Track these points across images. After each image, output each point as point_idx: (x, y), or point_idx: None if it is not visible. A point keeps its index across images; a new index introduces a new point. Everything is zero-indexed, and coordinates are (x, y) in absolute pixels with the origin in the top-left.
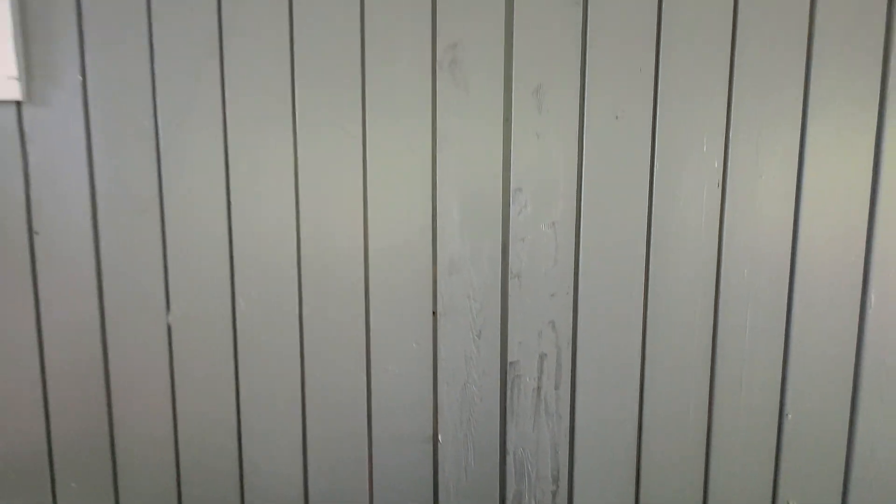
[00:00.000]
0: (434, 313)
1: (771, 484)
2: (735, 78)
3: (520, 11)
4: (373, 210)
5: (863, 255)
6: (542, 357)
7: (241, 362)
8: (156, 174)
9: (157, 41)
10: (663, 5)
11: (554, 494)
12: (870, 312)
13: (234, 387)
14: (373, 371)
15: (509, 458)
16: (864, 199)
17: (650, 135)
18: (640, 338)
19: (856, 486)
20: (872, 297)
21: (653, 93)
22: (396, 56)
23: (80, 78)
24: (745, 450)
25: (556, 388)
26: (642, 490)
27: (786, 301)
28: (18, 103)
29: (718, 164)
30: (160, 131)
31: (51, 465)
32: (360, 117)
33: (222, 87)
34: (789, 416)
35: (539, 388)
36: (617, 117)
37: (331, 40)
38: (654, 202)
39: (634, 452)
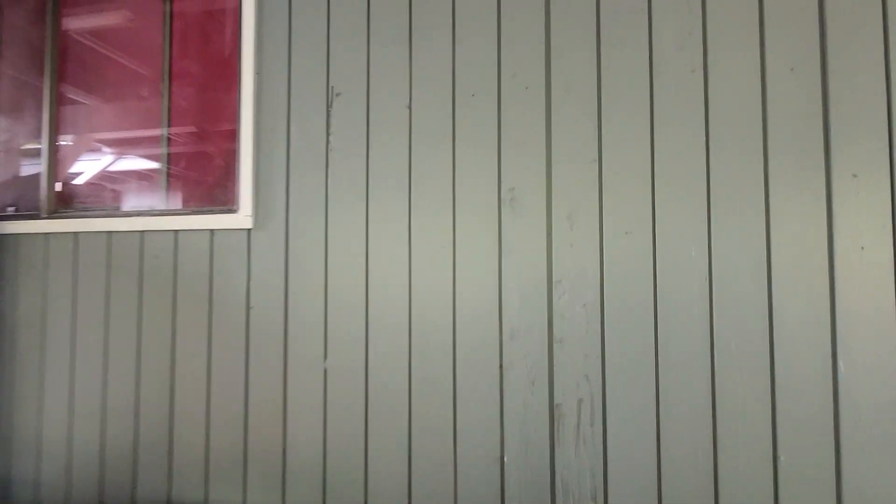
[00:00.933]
0: (500, 367)
1: None
2: (711, 206)
3: (556, 167)
4: (459, 297)
5: (829, 327)
6: (580, 401)
7: (370, 398)
8: (323, 269)
9: (332, 177)
10: (654, 168)
11: None
12: (840, 377)
13: (363, 415)
14: (458, 410)
15: (557, 479)
16: (824, 283)
17: (651, 245)
18: (654, 391)
19: None
20: (841, 364)
21: (651, 216)
22: (476, 196)
23: (285, 217)
24: (744, 477)
25: (591, 424)
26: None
27: (769, 366)
28: (249, 231)
29: (704, 264)
30: (329, 245)
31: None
32: (452, 237)
33: (367, 216)
34: (782, 458)
35: (578, 425)
36: (627, 233)
37: (434, 187)
38: (658, 292)
39: (655, 475)
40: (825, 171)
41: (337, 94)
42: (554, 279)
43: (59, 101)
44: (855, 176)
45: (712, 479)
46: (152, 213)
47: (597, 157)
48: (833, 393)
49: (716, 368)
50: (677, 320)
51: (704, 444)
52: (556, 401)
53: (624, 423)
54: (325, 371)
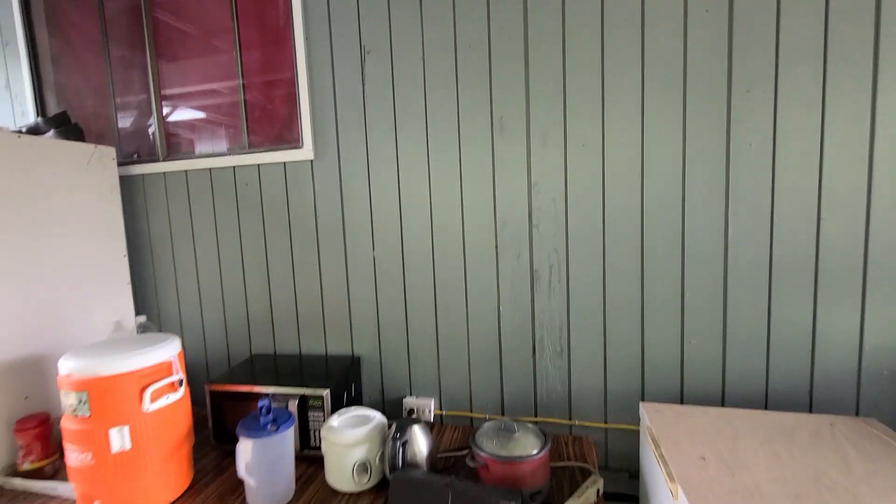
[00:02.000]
0: (496, 247)
1: (679, 332)
2: (644, 120)
3: (533, 99)
4: (465, 199)
5: (723, 204)
6: (551, 266)
7: (406, 274)
8: (367, 186)
9: (368, 117)
10: (604, 95)
11: (559, 338)
12: (730, 240)
13: (402, 285)
14: (468, 278)
15: (536, 320)
16: (721, 173)
17: (601, 153)
18: (601, 257)
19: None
20: (730, 229)
21: (601, 132)
22: (475, 124)
23: (337, 149)
24: (664, 316)
25: (559, 282)
26: (608, 335)
27: (680, 231)
28: (311, 161)
29: (638, 167)
30: (370, 168)
31: (350, 319)
32: (458, 156)
33: (396, 145)
34: (688, 294)
35: (550, 283)
36: (583, 145)
37: (444, 120)
38: (605, 188)
39: (601, 309)
40: (727, 89)
41: (368, 52)
42: (532, 182)
43: (158, 69)
44: (748, 91)
45: (639, 312)
46: (241, 152)
47: (562, 90)
48: (724, 251)
49: (644, 237)
50: (619, 207)
51: (634, 288)
52: (535, 267)
53: (580, 279)
54: (374, 258)
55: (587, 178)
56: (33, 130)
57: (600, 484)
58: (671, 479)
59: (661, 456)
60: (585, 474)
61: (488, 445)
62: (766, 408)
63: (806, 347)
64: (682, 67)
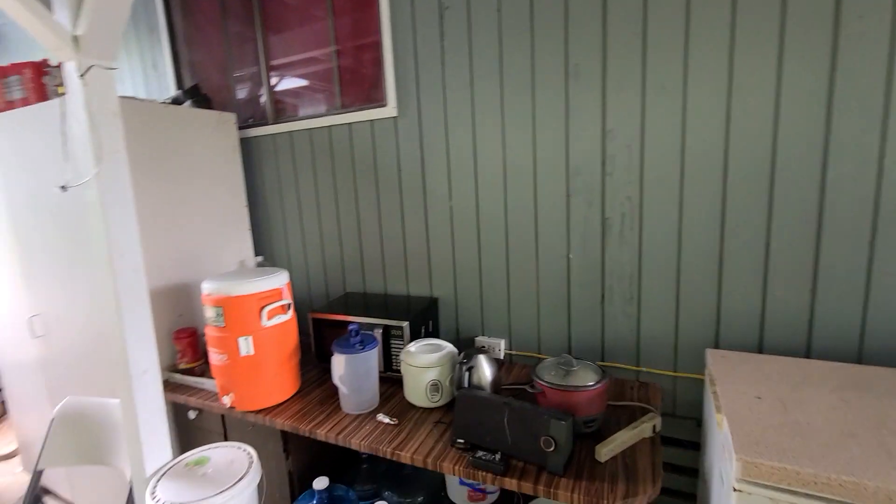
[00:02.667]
0: (567, 195)
1: (762, 283)
2: (734, 66)
3: (609, 42)
4: (538, 148)
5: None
6: (623, 214)
7: (480, 221)
8: (444, 139)
9: (446, 73)
10: (689, 36)
11: (629, 286)
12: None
13: (476, 232)
14: (538, 225)
15: (606, 267)
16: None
17: (682, 98)
18: (678, 203)
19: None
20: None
21: (683, 74)
22: (549, 72)
23: (417, 105)
24: (745, 266)
25: (630, 230)
26: (681, 283)
27: (769, 184)
28: (395, 118)
29: (722, 109)
30: (448, 122)
31: (405, 263)
32: (532, 105)
33: (472, 97)
34: (773, 243)
35: (621, 231)
36: (663, 88)
37: (518, 69)
38: (685, 133)
39: (675, 259)
40: (834, 15)
41: (446, 8)
42: (606, 129)
43: (266, 42)
44: (860, 17)
45: (718, 264)
46: (334, 113)
47: (640, 32)
48: (820, 198)
49: (728, 183)
50: (699, 152)
51: (713, 236)
52: (607, 215)
53: (654, 227)
54: (451, 208)
55: (665, 122)
56: (175, 101)
57: (658, 422)
58: (718, 410)
59: (715, 392)
60: (646, 414)
61: (547, 376)
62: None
63: None
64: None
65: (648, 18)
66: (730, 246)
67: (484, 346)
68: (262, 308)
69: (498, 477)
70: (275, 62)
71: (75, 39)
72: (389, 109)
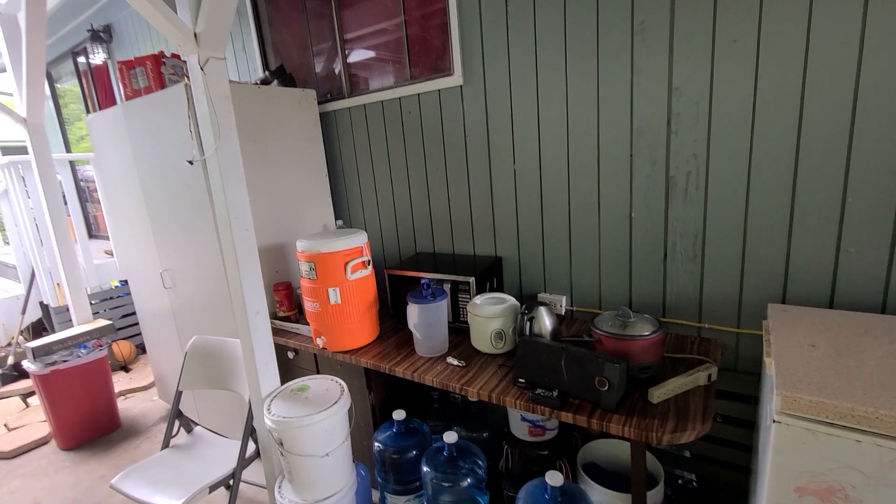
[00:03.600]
0: (630, 155)
1: (835, 240)
2: (812, 17)
3: (679, 7)
4: (602, 108)
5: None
6: (688, 173)
7: (543, 184)
8: (509, 105)
9: (511, 38)
10: None
11: (693, 244)
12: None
13: (539, 194)
14: (601, 185)
15: (669, 226)
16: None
17: (755, 50)
18: (747, 160)
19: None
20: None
21: (758, 25)
22: (614, 32)
23: (482, 73)
24: (817, 223)
25: (696, 188)
26: (748, 240)
27: (846, 146)
28: (461, 87)
29: (800, 66)
30: (512, 87)
31: (472, 227)
32: (596, 66)
33: (536, 64)
34: (849, 199)
35: (686, 189)
36: (735, 40)
37: (582, 30)
38: (757, 88)
39: (742, 218)
40: None
41: None
42: (673, 86)
43: (340, 17)
44: None
45: (788, 221)
46: (404, 84)
47: None
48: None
49: (801, 138)
50: (771, 107)
51: (783, 193)
52: (671, 174)
53: (720, 184)
54: (514, 171)
55: (736, 77)
56: (264, 81)
57: (713, 371)
58: (767, 354)
59: (767, 340)
60: (702, 364)
61: (604, 326)
62: None
63: None
64: None
65: None
66: (802, 202)
67: (545, 301)
68: (347, 263)
69: (555, 411)
70: (349, 35)
71: (196, 36)
72: (456, 78)
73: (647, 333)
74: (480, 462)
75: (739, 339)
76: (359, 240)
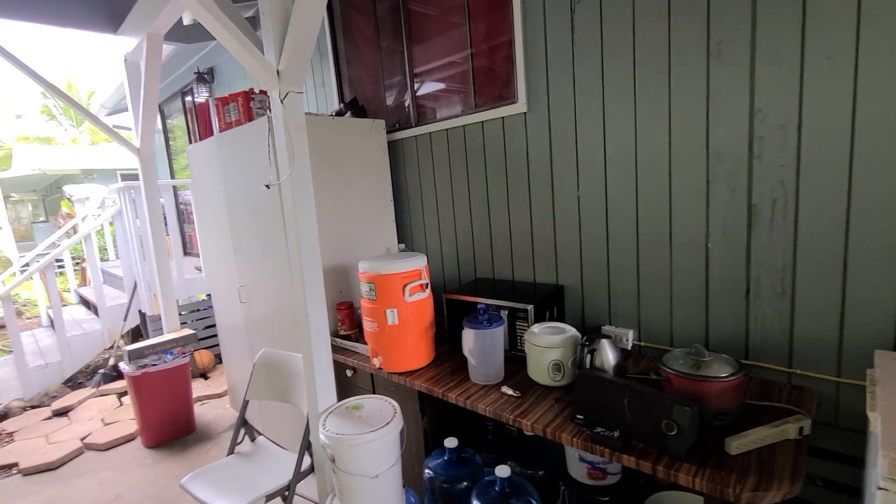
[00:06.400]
0: (707, 182)
1: None
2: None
3: (761, 11)
4: (673, 134)
5: None
6: (775, 201)
7: (609, 213)
8: (573, 132)
9: (576, 65)
10: None
11: (781, 279)
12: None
13: (605, 223)
14: (672, 214)
15: (752, 258)
16: None
17: (853, 67)
18: (846, 187)
19: None
20: None
21: (855, 40)
22: (688, 56)
23: (547, 99)
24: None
25: (784, 217)
26: (848, 277)
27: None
28: (524, 114)
29: None
30: (577, 114)
31: (533, 251)
32: (667, 92)
33: (602, 90)
34: None
35: (772, 218)
36: (828, 58)
37: (652, 54)
38: (856, 108)
39: (841, 256)
40: None
41: (578, 2)
42: (755, 109)
43: (412, 52)
44: None
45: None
46: (469, 112)
47: None
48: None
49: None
50: (874, 128)
51: (891, 221)
52: (754, 202)
53: (814, 213)
54: (578, 198)
55: (830, 97)
56: (338, 113)
57: (806, 424)
58: (872, 409)
59: (872, 392)
60: (793, 415)
61: (674, 364)
62: None
63: None
64: None
65: None
66: None
67: (609, 335)
68: (405, 285)
69: (616, 453)
70: (418, 69)
71: (278, 73)
72: (520, 106)
73: (724, 375)
74: (534, 501)
75: (840, 390)
76: (418, 263)
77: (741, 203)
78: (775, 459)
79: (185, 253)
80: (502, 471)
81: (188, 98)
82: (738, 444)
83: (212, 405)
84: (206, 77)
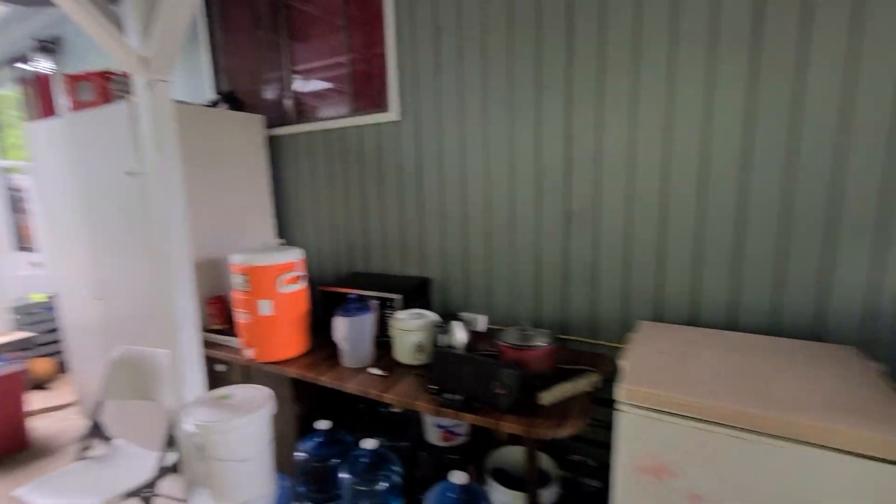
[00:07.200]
0: (539, 192)
1: (697, 265)
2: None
3: (577, 63)
4: (516, 154)
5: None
6: (583, 210)
7: (468, 219)
8: (436, 144)
9: (440, 85)
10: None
11: (587, 271)
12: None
13: (463, 231)
14: (516, 217)
15: (570, 254)
16: None
17: (637, 109)
18: (631, 201)
19: None
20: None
21: (637, 86)
22: (526, 86)
23: (416, 113)
24: (679, 253)
25: (591, 222)
26: (632, 270)
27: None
28: (398, 123)
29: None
30: (442, 127)
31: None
32: (510, 116)
33: (462, 110)
34: (707, 232)
35: (582, 223)
36: (616, 103)
37: (498, 83)
38: (638, 146)
39: (624, 253)
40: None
41: (440, 28)
42: (571, 135)
43: (291, 49)
44: None
45: (660, 252)
46: (348, 116)
47: (597, 54)
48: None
49: (670, 190)
50: (647, 160)
51: (654, 227)
52: (572, 209)
53: (609, 220)
54: (442, 202)
55: (619, 129)
56: (213, 104)
57: (595, 379)
58: (623, 358)
59: (626, 348)
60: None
61: (507, 338)
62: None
63: (813, 285)
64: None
65: (606, 43)
66: (669, 238)
67: (464, 319)
68: (278, 277)
69: (459, 412)
70: (299, 67)
71: (143, 59)
72: (393, 115)
73: (540, 345)
74: (397, 468)
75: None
76: (292, 255)
77: (562, 210)
78: (573, 407)
79: (21, 248)
80: (368, 443)
81: (24, 67)
82: (546, 397)
83: (54, 418)
84: (50, 46)
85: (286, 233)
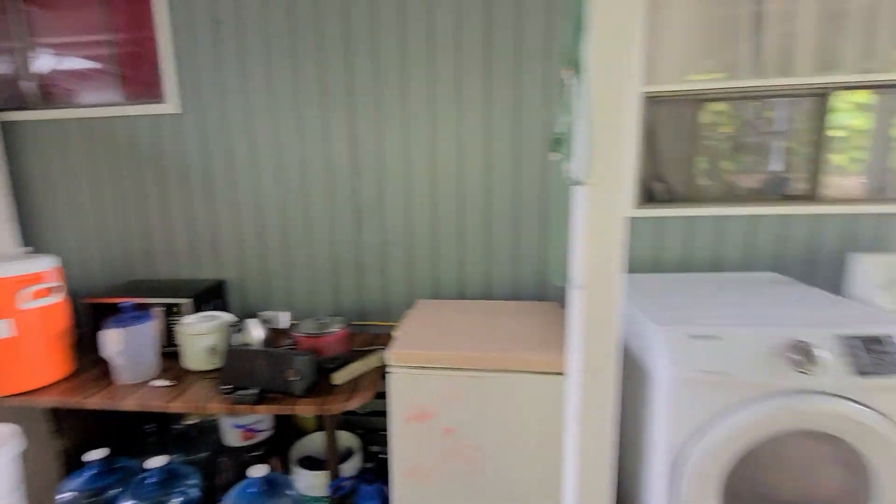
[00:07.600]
0: (330, 189)
1: (462, 252)
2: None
3: (358, 73)
4: (307, 153)
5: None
6: (371, 206)
7: (264, 217)
8: (224, 139)
9: (224, 79)
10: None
11: (378, 261)
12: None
13: (261, 227)
14: (312, 215)
15: (362, 245)
16: None
17: (409, 121)
18: (411, 200)
19: None
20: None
21: (405, 101)
22: (313, 86)
23: (198, 99)
24: (448, 241)
25: (379, 217)
26: (413, 258)
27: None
28: (179, 115)
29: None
30: (230, 122)
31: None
32: (298, 115)
33: (250, 111)
34: (469, 226)
35: (371, 218)
36: (393, 114)
37: (284, 83)
38: (411, 157)
39: (407, 242)
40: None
41: (218, 22)
42: (356, 137)
43: (28, 17)
44: None
45: (432, 238)
46: (118, 105)
47: (376, 70)
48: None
49: (437, 191)
50: (423, 163)
51: (430, 225)
52: (361, 205)
53: (392, 215)
54: (235, 200)
55: (397, 136)
56: None
57: (383, 356)
58: (396, 330)
59: (401, 323)
60: None
61: (303, 329)
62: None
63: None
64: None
65: (382, 64)
66: (440, 229)
67: (264, 317)
68: (19, 291)
69: (254, 406)
70: (42, 40)
71: None
72: (173, 107)
73: (332, 331)
74: (193, 481)
75: None
76: (39, 265)
77: (353, 205)
78: (363, 383)
79: None
80: (155, 461)
81: None
82: (339, 376)
83: None
84: None
85: (35, 239)
